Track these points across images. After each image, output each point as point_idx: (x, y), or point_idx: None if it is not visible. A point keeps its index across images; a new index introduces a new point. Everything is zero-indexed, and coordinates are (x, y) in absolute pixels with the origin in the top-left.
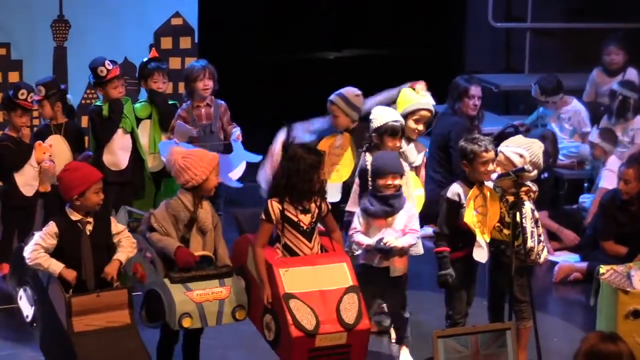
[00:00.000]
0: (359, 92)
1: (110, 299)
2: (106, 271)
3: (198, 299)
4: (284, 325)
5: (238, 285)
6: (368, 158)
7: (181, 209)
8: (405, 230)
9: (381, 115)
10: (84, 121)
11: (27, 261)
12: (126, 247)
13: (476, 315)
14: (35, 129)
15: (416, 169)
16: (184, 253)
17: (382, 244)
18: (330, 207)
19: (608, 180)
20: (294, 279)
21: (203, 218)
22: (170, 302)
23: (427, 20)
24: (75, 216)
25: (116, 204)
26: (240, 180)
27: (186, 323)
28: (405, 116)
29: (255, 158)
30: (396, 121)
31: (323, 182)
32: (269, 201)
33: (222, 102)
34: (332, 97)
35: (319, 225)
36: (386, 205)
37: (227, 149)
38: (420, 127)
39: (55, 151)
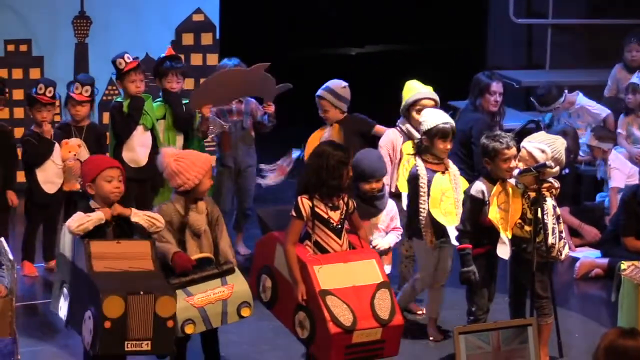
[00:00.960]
0: (345, 83)
1: (132, 248)
2: (115, 209)
3: (199, 303)
4: (321, 322)
5: (241, 281)
6: (419, 163)
7: (173, 214)
8: (387, 229)
9: (431, 117)
10: (106, 117)
11: (74, 228)
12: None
13: (498, 311)
14: (53, 125)
15: None
16: (181, 258)
17: (371, 247)
18: (356, 204)
19: (617, 178)
20: (328, 276)
21: (194, 221)
22: None
23: (449, 16)
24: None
25: (136, 201)
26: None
27: (189, 330)
28: (408, 109)
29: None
30: (446, 123)
31: (351, 179)
32: (299, 198)
33: (253, 99)
34: (320, 92)
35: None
36: (371, 206)
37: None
38: None
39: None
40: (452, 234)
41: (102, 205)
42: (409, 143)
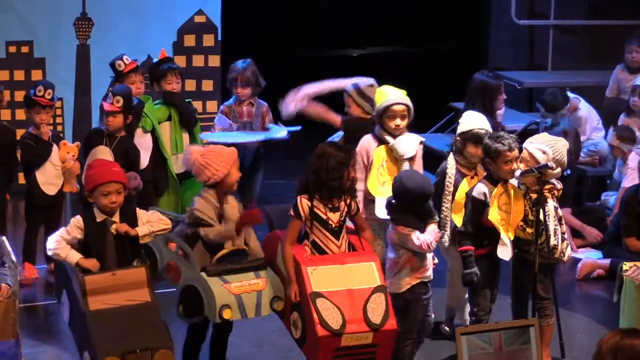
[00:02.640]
0: (372, 82)
1: (128, 278)
2: (116, 227)
3: (236, 290)
4: (310, 324)
5: (273, 276)
6: (450, 160)
7: (209, 206)
8: None
9: (469, 121)
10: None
11: (49, 251)
12: (153, 222)
13: (500, 312)
14: (56, 127)
15: (410, 161)
16: (248, 215)
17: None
18: (359, 206)
19: (631, 178)
20: (322, 278)
21: (230, 213)
22: (209, 295)
23: (451, 17)
24: (100, 216)
25: (139, 203)
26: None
27: (227, 315)
28: (381, 116)
29: (295, 128)
30: (482, 129)
31: (353, 180)
32: (298, 197)
33: (265, 103)
34: (347, 87)
35: (348, 224)
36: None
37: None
38: (398, 121)
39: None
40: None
41: (104, 214)
42: (382, 147)
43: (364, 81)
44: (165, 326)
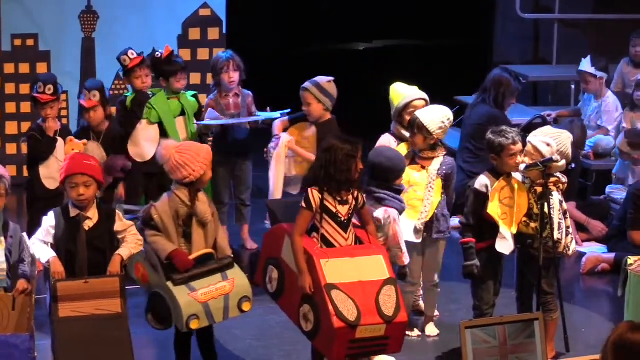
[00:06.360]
0: (330, 78)
1: (100, 287)
2: (110, 271)
3: (203, 298)
4: (326, 316)
5: (241, 276)
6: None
7: (179, 205)
8: None
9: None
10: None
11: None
12: (130, 243)
13: (505, 306)
14: (61, 120)
15: None
16: (180, 256)
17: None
18: (365, 199)
19: None
20: (335, 270)
21: (201, 211)
22: (175, 306)
23: (456, 11)
24: (73, 211)
25: (145, 195)
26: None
27: (194, 325)
28: (401, 114)
29: (285, 111)
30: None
31: (361, 172)
32: (309, 189)
33: (249, 92)
34: (305, 84)
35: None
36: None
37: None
38: None
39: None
40: (407, 228)
41: (78, 209)
42: (403, 145)
43: (321, 78)
44: (130, 342)
